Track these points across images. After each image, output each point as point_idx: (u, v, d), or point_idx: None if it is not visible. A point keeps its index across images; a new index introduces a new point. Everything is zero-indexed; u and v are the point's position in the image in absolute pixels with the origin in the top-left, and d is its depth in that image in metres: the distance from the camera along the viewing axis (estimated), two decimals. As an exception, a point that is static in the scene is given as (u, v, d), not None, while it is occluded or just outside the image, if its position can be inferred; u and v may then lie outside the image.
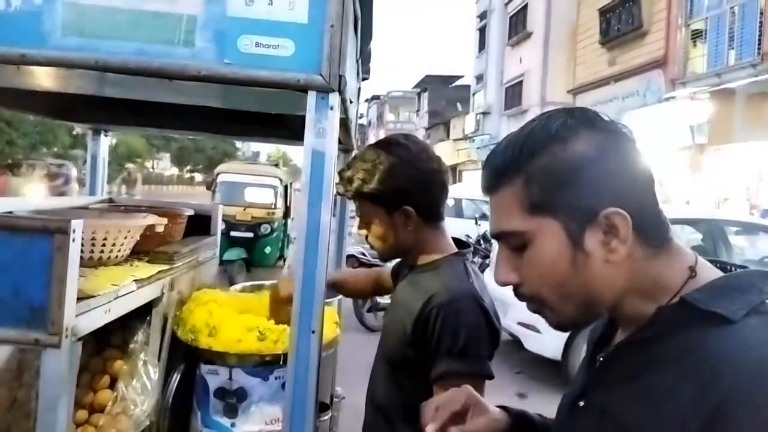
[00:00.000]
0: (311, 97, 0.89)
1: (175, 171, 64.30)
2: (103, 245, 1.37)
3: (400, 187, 1.41)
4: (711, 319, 0.70)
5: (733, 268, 0.81)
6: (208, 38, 0.86)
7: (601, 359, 0.83)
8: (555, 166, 0.75)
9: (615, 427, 0.74)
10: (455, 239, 1.55)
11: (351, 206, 1.84)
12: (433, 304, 1.32)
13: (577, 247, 0.75)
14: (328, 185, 0.91)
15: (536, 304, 0.82)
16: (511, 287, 0.84)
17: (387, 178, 1.41)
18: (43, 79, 1.11)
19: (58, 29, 0.85)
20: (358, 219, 1.55)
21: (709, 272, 0.78)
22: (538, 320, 5.34)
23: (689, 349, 0.70)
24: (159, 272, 1.48)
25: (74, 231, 0.98)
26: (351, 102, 1.27)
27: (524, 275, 0.80)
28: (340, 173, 1.48)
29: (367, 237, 1.52)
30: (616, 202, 0.74)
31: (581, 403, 0.83)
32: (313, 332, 0.93)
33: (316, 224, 0.91)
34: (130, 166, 18.67)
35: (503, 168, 0.79)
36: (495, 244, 7.54)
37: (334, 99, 0.89)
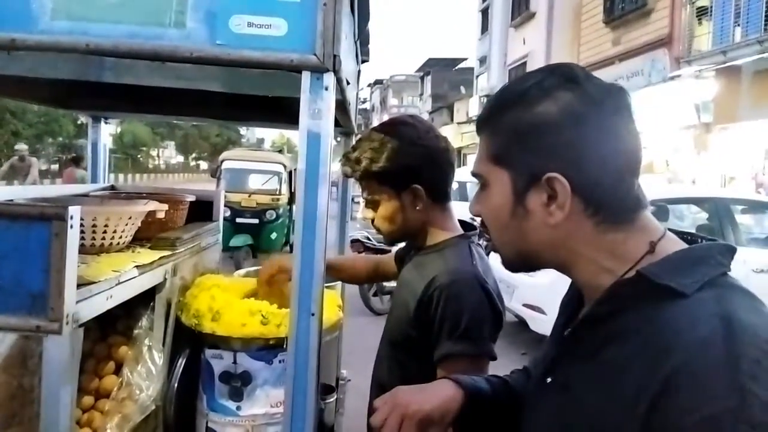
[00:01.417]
0: (305, 77, 0.87)
1: (180, 159, 64.51)
2: (104, 232, 1.37)
3: (408, 165, 1.40)
4: (664, 293, 0.70)
5: (702, 241, 0.81)
6: (199, 19, 0.84)
7: (566, 334, 0.84)
8: (516, 124, 0.79)
9: (575, 405, 0.75)
10: (462, 221, 1.53)
11: (354, 191, 1.82)
12: (435, 285, 1.32)
13: (519, 203, 0.80)
14: (324, 167, 0.90)
15: (491, 241, 0.89)
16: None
17: (395, 157, 1.39)
18: (37, 64, 1.10)
19: (48, 13, 0.84)
20: (363, 202, 1.53)
21: (673, 247, 0.77)
22: (543, 302, 5.39)
23: (642, 325, 0.70)
24: (161, 258, 1.48)
25: (72, 217, 0.97)
26: (348, 83, 1.26)
27: (481, 211, 0.87)
28: (346, 155, 1.46)
29: (373, 220, 1.50)
30: (564, 170, 0.75)
31: (548, 380, 0.84)
32: (313, 315, 0.92)
33: (314, 206, 0.91)
34: (21, 147, 12.27)
35: (482, 118, 0.85)
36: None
37: (329, 79, 0.88)
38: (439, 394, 0.95)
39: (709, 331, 0.65)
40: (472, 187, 13.30)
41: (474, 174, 0.87)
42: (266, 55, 0.86)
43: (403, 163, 1.40)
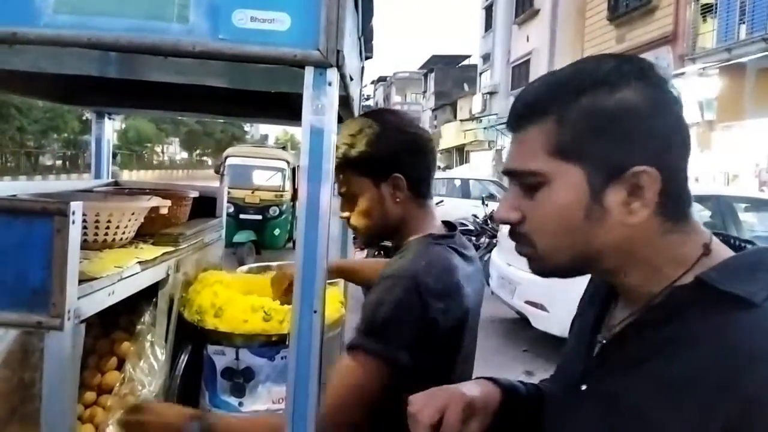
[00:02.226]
0: (308, 72, 0.87)
1: (184, 155, 64.68)
2: (107, 228, 1.37)
3: (390, 151, 1.32)
4: (730, 301, 0.65)
5: (737, 242, 0.77)
6: (202, 13, 0.84)
7: (604, 341, 0.79)
8: (595, 111, 0.70)
9: (625, 414, 0.70)
10: (447, 222, 1.45)
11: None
12: (378, 280, 1.25)
13: (596, 201, 0.71)
14: (327, 163, 0.89)
15: (528, 247, 0.78)
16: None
17: (376, 142, 1.31)
18: (40, 59, 1.09)
19: (50, 6, 0.84)
20: (340, 200, 1.42)
21: (723, 251, 0.73)
22: (545, 299, 5.38)
23: (709, 334, 0.65)
24: (164, 254, 1.48)
25: (74, 213, 0.97)
26: (352, 79, 1.25)
27: (529, 215, 0.76)
28: None
29: (349, 220, 1.41)
30: (650, 162, 0.69)
31: (583, 387, 0.78)
32: (315, 312, 0.92)
33: (316, 202, 0.90)
34: None
35: (539, 103, 0.74)
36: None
37: (332, 74, 0.87)
38: (478, 386, 0.90)
39: None
40: (475, 184, 13.24)
41: (521, 172, 0.76)
42: (269, 50, 0.85)
43: (384, 149, 1.32)
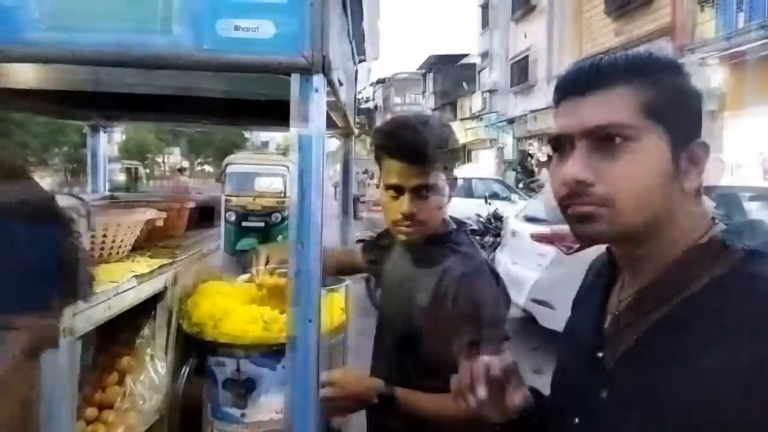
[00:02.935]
0: (294, 79, 0.86)
1: (185, 164, 64.80)
2: (103, 242, 1.36)
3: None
4: (749, 255, 0.73)
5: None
6: (185, 24, 0.83)
7: (616, 312, 0.83)
8: (678, 86, 0.80)
9: (686, 413, 0.69)
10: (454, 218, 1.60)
11: (356, 191, 1.81)
12: None
13: (674, 165, 0.78)
14: (317, 169, 0.89)
15: (601, 207, 0.77)
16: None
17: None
18: (29, 75, 1.09)
19: (34, 23, 0.83)
20: None
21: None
22: (551, 296, 5.34)
23: (751, 283, 0.72)
24: (161, 266, 1.47)
25: (66, 228, 0.96)
26: (341, 84, 1.24)
27: (611, 173, 0.77)
28: None
29: None
30: (701, 138, 0.80)
31: (604, 394, 0.78)
32: (311, 322, 0.90)
33: (308, 210, 0.89)
34: None
35: (633, 66, 0.80)
36: (507, 222, 7.53)
37: (319, 81, 0.86)
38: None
39: None
40: (478, 183, 13.20)
41: (607, 125, 0.77)
42: (254, 58, 0.84)
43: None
